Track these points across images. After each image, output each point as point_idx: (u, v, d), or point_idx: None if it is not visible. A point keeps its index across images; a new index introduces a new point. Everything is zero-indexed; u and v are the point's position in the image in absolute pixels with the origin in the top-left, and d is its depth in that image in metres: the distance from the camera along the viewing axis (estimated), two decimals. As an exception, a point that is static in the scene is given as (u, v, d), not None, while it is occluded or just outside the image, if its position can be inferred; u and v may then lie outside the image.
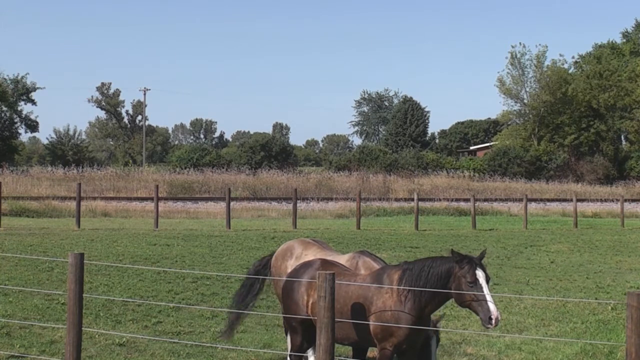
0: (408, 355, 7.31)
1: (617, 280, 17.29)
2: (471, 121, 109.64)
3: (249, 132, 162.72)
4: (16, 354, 9.45)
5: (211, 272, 15.84)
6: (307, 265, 7.99)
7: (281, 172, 57.48)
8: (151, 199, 32.44)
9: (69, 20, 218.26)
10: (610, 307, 13.49)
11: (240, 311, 9.80)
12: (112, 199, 39.53)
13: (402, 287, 7.10)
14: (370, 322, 7.16)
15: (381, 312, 7.11)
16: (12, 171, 52.17)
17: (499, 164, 69.29)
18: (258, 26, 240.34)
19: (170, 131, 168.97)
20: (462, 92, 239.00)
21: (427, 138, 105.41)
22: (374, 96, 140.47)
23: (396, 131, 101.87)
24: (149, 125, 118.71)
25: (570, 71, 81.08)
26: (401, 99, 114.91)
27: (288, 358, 8.85)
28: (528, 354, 10.22)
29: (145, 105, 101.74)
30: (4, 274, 15.17)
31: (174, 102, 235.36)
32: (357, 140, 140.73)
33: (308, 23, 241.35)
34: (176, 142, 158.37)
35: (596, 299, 14.39)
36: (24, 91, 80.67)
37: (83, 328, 7.53)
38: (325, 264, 7.82)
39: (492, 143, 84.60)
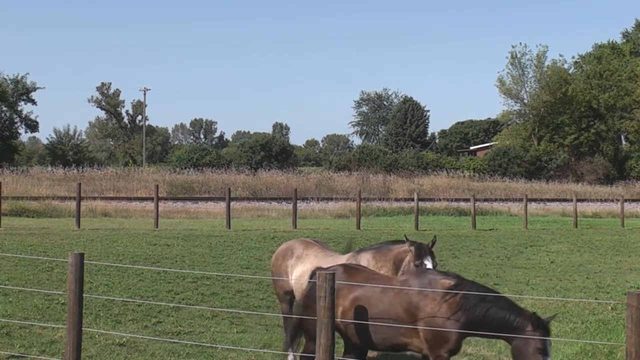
0: None
1: (617, 280, 17.28)
2: (471, 121, 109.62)
3: (249, 132, 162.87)
4: (16, 354, 9.44)
5: (211, 272, 15.83)
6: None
7: (281, 172, 57.48)
8: (151, 199, 32.44)
9: (69, 20, 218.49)
10: (610, 307, 13.47)
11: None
12: (112, 199, 39.54)
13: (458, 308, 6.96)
14: (420, 327, 6.97)
15: (432, 318, 6.93)
16: (12, 171, 52.20)
17: (499, 164, 69.27)
18: (258, 26, 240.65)
19: (170, 131, 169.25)
20: (462, 92, 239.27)
21: (427, 138, 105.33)
22: (373, 96, 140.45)
23: (396, 131, 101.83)
24: (149, 125, 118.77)
25: (570, 71, 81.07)
26: (401, 99, 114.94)
27: (291, 357, 8.83)
28: (528, 354, 10.20)
29: (145, 105, 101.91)
30: (4, 274, 15.17)
31: (174, 102, 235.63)
32: (357, 140, 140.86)
33: (308, 23, 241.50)
34: (176, 142, 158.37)
35: (596, 299, 14.38)
36: (24, 91, 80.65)
37: (83, 328, 7.53)
38: (348, 269, 7.59)
39: (492, 143, 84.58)
